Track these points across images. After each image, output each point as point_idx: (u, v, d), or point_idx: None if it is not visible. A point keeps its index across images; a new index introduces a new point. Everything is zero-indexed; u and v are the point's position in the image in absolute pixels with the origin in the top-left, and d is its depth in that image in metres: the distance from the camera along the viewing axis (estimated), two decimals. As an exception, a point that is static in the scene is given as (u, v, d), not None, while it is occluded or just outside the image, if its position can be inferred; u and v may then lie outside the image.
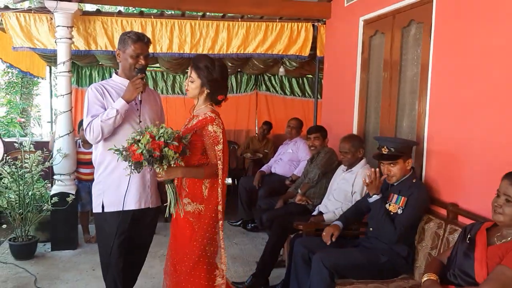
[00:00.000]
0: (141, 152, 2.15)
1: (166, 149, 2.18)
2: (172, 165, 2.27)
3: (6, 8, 4.88)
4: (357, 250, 2.92)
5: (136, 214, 2.71)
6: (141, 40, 2.64)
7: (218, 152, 2.40)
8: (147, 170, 2.63)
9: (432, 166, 3.09)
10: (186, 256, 2.44)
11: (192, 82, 2.46)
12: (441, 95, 3.01)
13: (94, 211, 2.74)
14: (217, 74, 2.44)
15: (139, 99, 2.62)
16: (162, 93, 7.90)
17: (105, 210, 2.67)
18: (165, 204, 2.50)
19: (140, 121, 2.63)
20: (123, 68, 2.72)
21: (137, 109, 2.65)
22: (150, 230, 2.96)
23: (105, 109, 2.59)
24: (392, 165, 2.88)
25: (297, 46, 5.20)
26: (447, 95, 2.94)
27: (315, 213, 3.74)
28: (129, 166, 2.25)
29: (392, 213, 2.84)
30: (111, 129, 2.57)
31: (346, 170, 3.65)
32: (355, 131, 4.22)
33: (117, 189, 2.63)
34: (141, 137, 2.20)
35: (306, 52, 5.24)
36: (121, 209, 2.60)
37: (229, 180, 7.40)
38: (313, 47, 5.31)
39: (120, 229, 2.65)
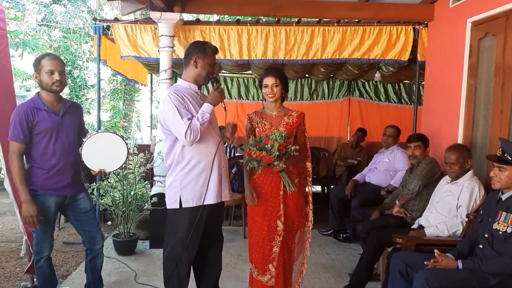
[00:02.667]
0: (274, 155, 2.77)
1: (290, 146, 2.82)
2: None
3: (116, 20, 5.27)
4: (464, 269, 2.68)
5: (212, 207, 2.86)
6: (217, 52, 2.89)
7: (307, 138, 3.13)
8: (220, 167, 2.86)
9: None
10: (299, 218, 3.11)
11: (276, 87, 3.00)
12: None
13: (169, 207, 2.88)
14: (287, 80, 3.11)
15: (224, 106, 2.86)
16: (253, 99, 8.01)
17: (183, 206, 2.80)
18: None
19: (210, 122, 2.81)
20: (197, 74, 2.82)
21: None
22: (220, 218, 3.16)
23: (188, 112, 2.71)
24: (500, 170, 2.66)
25: (396, 50, 4.98)
26: None
27: (415, 226, 3.52)
28: (258, 166, 2.86)
29: (500, 232, 2.58)
30: (204, 132, 2.71)
31: (451, 181, 3.40)
32: (460, 141, 3.93)
33: (195, 186, 2.79)
34: (266, 145, 2.80)
35: (406, 56, 5.00)
36: (201, 204, 2.79)
37: (319, 188, 7.29)
38: (413, 51, 5.05)
39: (200, 222, 2.80)
